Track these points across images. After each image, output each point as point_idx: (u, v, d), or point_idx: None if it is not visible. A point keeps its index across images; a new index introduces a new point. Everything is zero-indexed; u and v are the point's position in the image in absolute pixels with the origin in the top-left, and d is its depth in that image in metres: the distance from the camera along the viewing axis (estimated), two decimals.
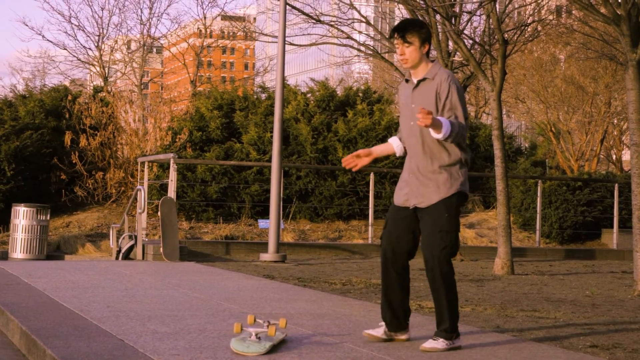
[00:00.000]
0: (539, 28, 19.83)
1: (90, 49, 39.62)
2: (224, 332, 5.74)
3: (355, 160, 5.57)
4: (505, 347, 5.56)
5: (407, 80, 5.58)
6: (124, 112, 19.85)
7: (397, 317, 5.57)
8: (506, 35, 12.97)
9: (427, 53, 5.54)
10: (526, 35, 15.57)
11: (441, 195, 5.38)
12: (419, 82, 5.48)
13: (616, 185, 17.94)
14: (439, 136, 5.25)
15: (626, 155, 34.65)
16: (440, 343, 5.36)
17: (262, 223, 16.13)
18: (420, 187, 5.42)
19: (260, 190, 18.07)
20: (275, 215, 13.32)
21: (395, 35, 5.46)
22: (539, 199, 17.34)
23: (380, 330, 5.62)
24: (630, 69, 9.69)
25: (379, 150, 5.69)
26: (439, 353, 5.29)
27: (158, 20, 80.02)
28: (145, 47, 40.49)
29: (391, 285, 5.55)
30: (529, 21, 15.92)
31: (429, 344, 5.38)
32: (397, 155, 5.68)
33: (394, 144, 5.65)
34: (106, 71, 38.26)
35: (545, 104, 29.84)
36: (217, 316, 6.59)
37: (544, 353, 5.41)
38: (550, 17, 26.40)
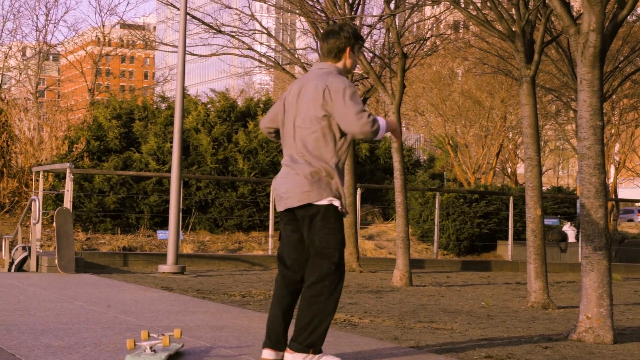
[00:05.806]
0: (438, 42, 20.20)
1: None
2: (120, 346, 5.62)
3: None
4: (402, 358, 5.60)
5: None
6: (19, 120, 19.36)
7: None
8: (405, 49, 13.15)
9: None
10: (425, 50, 15.83)
11: None
12: None
13: (511, 198, 18.37)
14: None
15: (521, 169, 35.52)
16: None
17: (160, 234, 15.93)
18: None
19: (160, 201, 17.86)
20: (174, 226, 13.17)
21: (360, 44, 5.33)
22: (436, 211, 17.61)
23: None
24: (524, 85, 9.94)
25: None
26: None
27: (55, 27, 78.53)
28: (41, 55, 39.62)
29: None
30: (427, 35, 16.20)
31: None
32: None
33: None
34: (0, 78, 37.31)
35: (443, 117, 30.38)
36: (113, 329, 6.46)
37: None
38: (449, 32, 26.91)
